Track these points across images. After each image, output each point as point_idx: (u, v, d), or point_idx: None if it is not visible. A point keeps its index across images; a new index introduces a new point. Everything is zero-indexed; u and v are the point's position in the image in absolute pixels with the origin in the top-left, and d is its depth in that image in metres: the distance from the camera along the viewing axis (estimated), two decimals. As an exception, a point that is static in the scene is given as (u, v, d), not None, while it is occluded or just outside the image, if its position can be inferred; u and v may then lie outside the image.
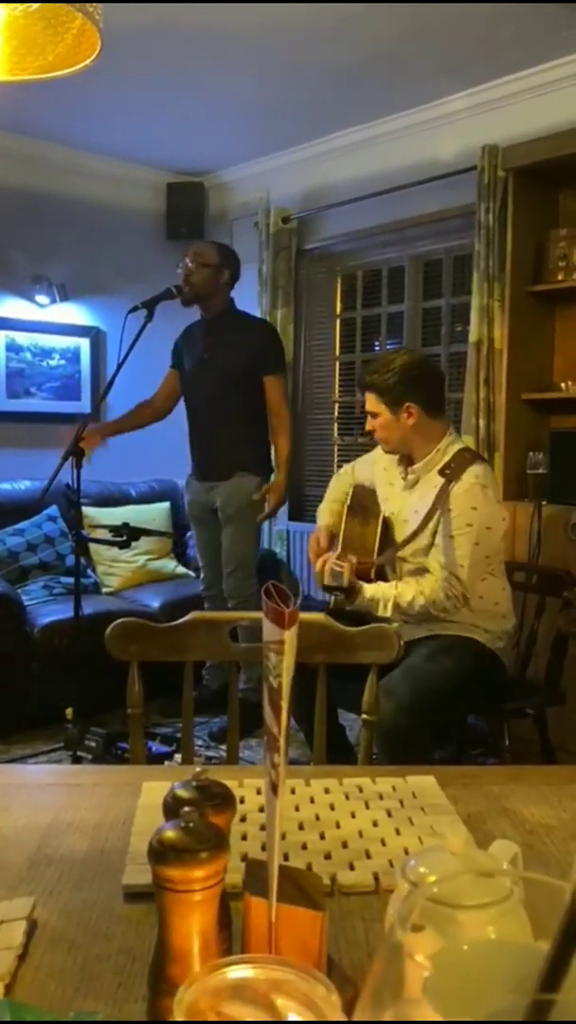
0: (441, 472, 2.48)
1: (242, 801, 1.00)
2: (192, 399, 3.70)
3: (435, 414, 2.54)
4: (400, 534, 2.57)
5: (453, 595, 2.41)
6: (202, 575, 3.90)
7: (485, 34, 3.38)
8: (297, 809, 1.00)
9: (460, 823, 0.97)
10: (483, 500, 2.42)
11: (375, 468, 2.75)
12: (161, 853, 0.59)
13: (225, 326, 3.62)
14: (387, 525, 2.61)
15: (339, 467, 4.77)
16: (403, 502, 2.58)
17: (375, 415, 2.54)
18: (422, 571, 2.49)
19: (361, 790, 1.06)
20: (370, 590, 2.47)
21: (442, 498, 2.43)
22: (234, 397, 3.56)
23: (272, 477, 3.77)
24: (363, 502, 2.69)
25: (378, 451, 2.75)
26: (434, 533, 2.46)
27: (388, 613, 2.44)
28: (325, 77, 3.80)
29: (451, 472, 2.46)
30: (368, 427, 2.61)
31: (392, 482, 2.65)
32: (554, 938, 0.30)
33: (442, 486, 2.45)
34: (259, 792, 1.04)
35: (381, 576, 2.59)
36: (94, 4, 1.03)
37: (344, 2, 3.09)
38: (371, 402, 2.54)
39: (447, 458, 2.50)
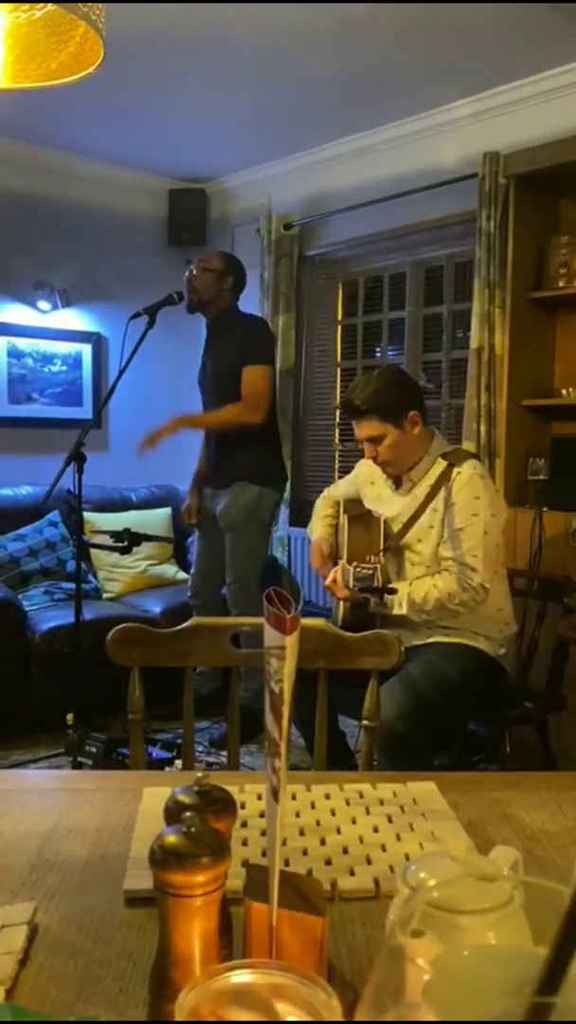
0: (443, 456, 2.50)
1: (243, 806, 1.00)
2: (202, 402, 3.72)
3: (426, 419, 2.56)
4: (403, 538, 2.57)
5: (470, 586, 2.39)
6: (190, 581, 3.88)
7: (486, 41, 3.39)
8: (298, 815, 1.00)
9: (461, 829, 0.97)
10: (484, 489, 2.44)
11: (358, 484, 2.75)
12: (163, 858, 0.59)
13: (223, 329, 3.63)
14: (388, 527, 2.61)
15: (339, 472, 4.82)
16: (397, 507, 2.58)
17: (379, 439, 2.49)
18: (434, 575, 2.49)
19: (362, 796, 1.06)
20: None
21: (444, 480, 2.44)
22: (229, 398, 3.54)
23: (279, 492, 3.75)
24: (360, 511, 2.70)
25: (357, 470, 2.76)
26: (440, 533, 2.47)
27: (403, 611, 2.44)
28: (327, 84, 3.81)
29: (452, 458, 2.48)
30: (369, 455, 2.54)
31: (381, 492, 2.65)
32: (552, 941, 0.30)
33: (444, 469, 2.46)
34: (260, 797, 1.04)
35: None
36: (97, 13, 1.04)
37: (346, 2, 3.09)
38: (372, 427, 2.49)
39: (439, 460, 2.51)
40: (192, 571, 3.88)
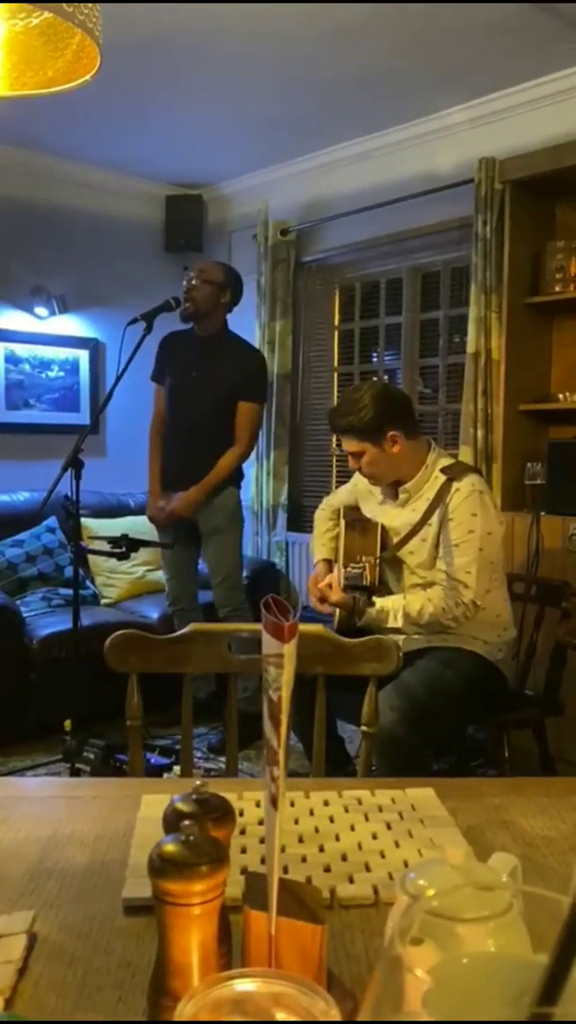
0: (443, 471, 2.49)
1: (241, 814, 1.00)
2: (177, 414, 3.69)
3: (414, 435, 2.54)
4: (400, 549, 2.57)
5: (462, 602, 2.40)
6: (167, 589, 3.85)
7: (482, 47, 3.40)
8: (297, 822, 1.00)
9: (459, 835, 0.97)
10: (481, 506, 2.43)
11: (357, 492, 2.75)
12: (161, 867, 0.59)
13: (217, 347, 3.63)
14: (385, 533, 2.61)
15: (336, 477, 4.83)
16: (395, 517, 2.58)
17: (359, 455, 2.51)
18: (429, 586, 2.49)
19: (360, 802, 1.06)
20: (379, 603, 2.48)
21: (444, 495, 2.44)
22: (219, 417, 3.57)
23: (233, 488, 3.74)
24: (358, 516, 2.70)
25: (356, 480, 2.76)
26: (434, 546, 2.47)
27: (399, 623, 2.44)
28: (323, 90, 3.82)
29: (452, 473, 2.47)
30: (353, 466, 2.57)
31: (380, 503, 2.65)
32: (552, 951, 0.30)
33: (443, 483, 2.46)
34: (258, 805, 1.04)
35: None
36: (93, 20, 1.04)
37: (344, 2, 3.09)
38: (352, 444, 2.51)
39: (438, 471, 2.51)
40: (168, 577, 3.84)
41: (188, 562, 3.78)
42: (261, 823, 0.98)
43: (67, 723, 3.23)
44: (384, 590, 2.57)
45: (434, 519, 2.47)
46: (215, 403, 3.57)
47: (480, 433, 3.79)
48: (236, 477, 3.71)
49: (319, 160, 4.65)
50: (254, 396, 3.64)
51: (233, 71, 3.63)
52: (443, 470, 2.50)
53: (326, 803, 1.05)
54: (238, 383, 3.58)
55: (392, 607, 2.46)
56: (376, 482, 2.60)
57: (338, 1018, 0.42)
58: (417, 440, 2.55)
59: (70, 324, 4.94)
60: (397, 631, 2.46)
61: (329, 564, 2.75)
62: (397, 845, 0.95)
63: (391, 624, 2.45)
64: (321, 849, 0.94)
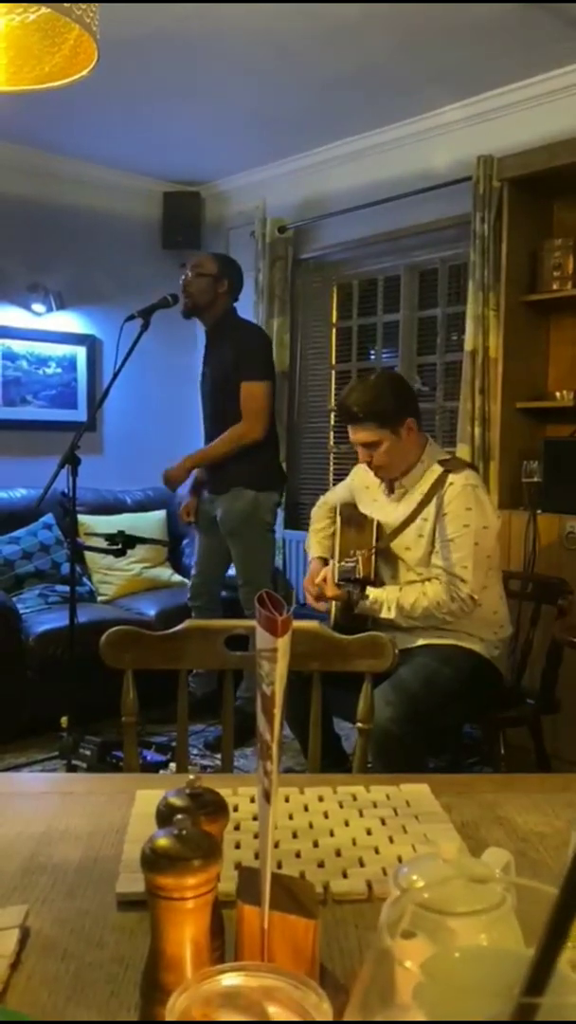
0: (440, 463, 2.50)
1: (236, 809, 1.00)
2: (204, 414, 3.71)
3: (421, 424, 2.56)
4: (393, 540, 2.57)
5: (459, 596, 2.40)
6: (191, 582, 3.87)
7: (480, 45, 3.40)
8: (291, 817, 1.00)
9: (453, 831, 0.97)
10: (476, 501, 2.43)
11: (354, 488, 2.75)
12: (154, 861, 0.59)
13: (221, 335, 3.61)
14: (381, 530, 2.62)
15: (334, 475, 4.82)
16: (391, 512, 2.58)
17: (375, 445, 2.47)
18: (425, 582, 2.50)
19: (355, 798, 1.06)
20: (373, 593, 2.48)
21: (438, 488, 2.44)
22: (227, 407, 3.53)
23: (278, 493, 3.73)
24: (354, 513, 2.70)
25: (352, 476, 2.76)
26: (430, 542, 2.47)
27: (392, 615, 2.44)
28: (321, 88, 3.82)
29: (448, 466, 2.48)
30: (363, 459, 2.53)
31: (376, 498, 2.65)
32: (539, 941, 0.30)
33: (439, 477, 2.46)
34: (253, 800, 1.03)
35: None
36: (91, 16, 1.04)
37: (342, 1, 3.09)
38: (369, 433, 2.46)
39: (434, 466, 2.51)
40: (193, 572, 3.85)
41: (215, 559, 3.74)
42: (255, 818, 0.98)
43: (63, 720, 3.23)
44: (379, 585, 2.57)
45: (428, 514, 2.47)
46: (219, 392, 3.54)
47: (477, 431, 3.79)
48: (252, 479, 3.57)
49: (317, 157, 4.64)
50: (254, 374, 3.50)
51: (231, 68, 3.62)
52: (440, 462, 2.50)
53: (320, 799, 1.05)
54: (237, 363, 3.51)
55: (386, 598, 2.46)
56: (385, 474, 2.57)
57: (329, 1012, 0.42)
58: (420, 433, 2.56)
59: (67, 321, 4.94)
60: (391, 623, 2.47)
61: (324, 562, 2.75)
62: (391, 841, 0.95)
63: (384, 615, 2.46)
64: (315, 844, 0.94)
